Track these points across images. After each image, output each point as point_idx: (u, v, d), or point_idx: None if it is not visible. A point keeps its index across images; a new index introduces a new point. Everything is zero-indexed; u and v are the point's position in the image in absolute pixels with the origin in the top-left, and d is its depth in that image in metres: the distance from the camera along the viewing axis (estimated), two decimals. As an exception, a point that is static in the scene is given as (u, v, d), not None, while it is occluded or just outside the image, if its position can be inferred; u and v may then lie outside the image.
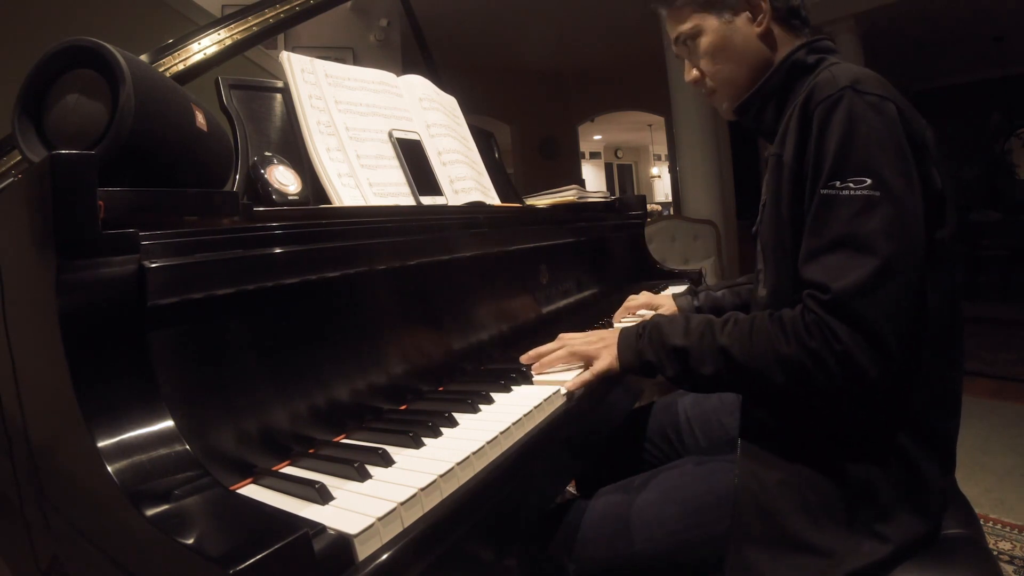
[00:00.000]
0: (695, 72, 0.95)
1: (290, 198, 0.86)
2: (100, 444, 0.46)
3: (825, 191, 0.71)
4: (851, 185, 0.69)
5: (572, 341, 0.91)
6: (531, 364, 0.92)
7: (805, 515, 0.73)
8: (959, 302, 0.77)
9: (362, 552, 0.46)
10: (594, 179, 12.60)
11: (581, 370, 0.88)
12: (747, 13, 0.89)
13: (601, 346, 0.87)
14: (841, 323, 0.67)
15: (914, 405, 0.73)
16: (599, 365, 0.86)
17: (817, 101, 0.73)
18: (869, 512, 0.71)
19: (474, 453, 0.62)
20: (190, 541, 0.40)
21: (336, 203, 0.91)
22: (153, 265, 0.53)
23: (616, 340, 0.86)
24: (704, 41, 0.91)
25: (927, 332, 0.72)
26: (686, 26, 0.92)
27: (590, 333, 0.92)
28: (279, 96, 0.98)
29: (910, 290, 0.68)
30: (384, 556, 0.47)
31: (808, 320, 0.70)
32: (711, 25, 0.90)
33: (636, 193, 3.22)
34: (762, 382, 0.74)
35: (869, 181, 0.68)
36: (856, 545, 0.71)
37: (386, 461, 0.60)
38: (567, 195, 1.62)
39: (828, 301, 0.68)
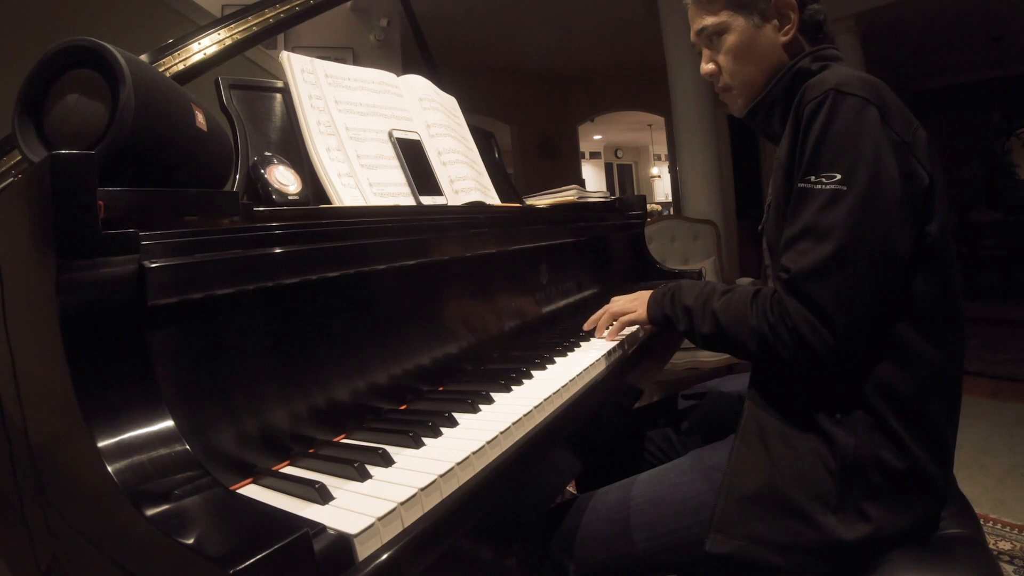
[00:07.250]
0: (711, 66, 0.95)
1: (290, 198, 0.86)
2: (100, 444, 0.46)
3: (801, 184, 0.76)
4: (823, 179, 0.74)
5: (613, 303, 1.08)
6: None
7: (800, 483, 0.76)
8: (955, 293, 0.79)
9: (362, 552, 0.47)
10: (594, 179, 12.59)
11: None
12: (776, 21, 0.89)
13: (637, 303, 1.03)
14: (794, 301, 0.75)
15: (904, 390, 0.75)
16: (631, 316, 1.03)
17: (805, 102, 0.77)
18: (858, 489, 0.74)
19: (474, 453, 0.62)
20: (190, 541, 0.40)
21: (336, 203, 0.90)
22: (153, 265, 0.53)
23: (648, 297, 1.01)
24: (729, 39, 0.91)
25: (912, 318, 0.76)
26: (714, 20, 0.91)
27: (630, 295, 1.08)
28: (279, 96, 0.98)
29: (868, 277, 0.72)
30: (384, 556, 0.47)
31: (773, 298, 0.77)
32: (739, 25, 0.90)
33: (636, 193, 3.22)
34: (741, 347, 0.82)
35: (838, 176, 0.73)
36: (840, 519, 0.74)
37: (386, 461, 0.60)
38: (567, 195, 1.62)
39: (786, 281, 0.76)
